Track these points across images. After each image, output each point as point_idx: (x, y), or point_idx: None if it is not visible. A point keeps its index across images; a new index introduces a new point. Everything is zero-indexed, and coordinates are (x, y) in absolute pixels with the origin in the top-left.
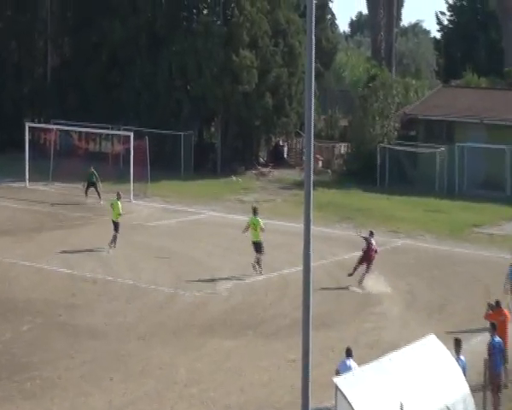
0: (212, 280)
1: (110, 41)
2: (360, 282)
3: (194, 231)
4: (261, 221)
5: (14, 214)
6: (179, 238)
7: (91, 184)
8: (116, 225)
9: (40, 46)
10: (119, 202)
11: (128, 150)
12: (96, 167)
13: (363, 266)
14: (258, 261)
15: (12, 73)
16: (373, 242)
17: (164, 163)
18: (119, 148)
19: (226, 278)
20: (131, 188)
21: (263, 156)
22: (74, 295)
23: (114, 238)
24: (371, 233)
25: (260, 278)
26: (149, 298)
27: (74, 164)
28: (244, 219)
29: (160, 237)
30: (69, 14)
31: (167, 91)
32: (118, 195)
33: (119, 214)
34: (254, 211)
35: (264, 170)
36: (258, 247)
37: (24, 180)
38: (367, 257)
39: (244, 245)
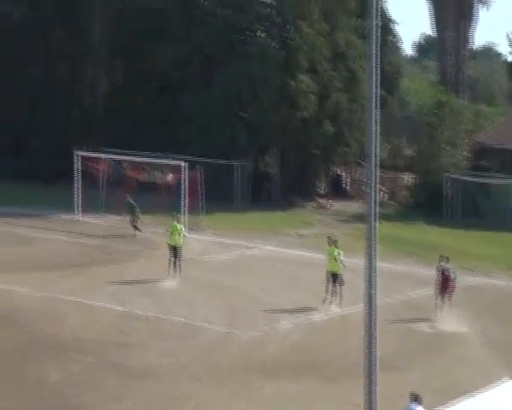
0: (270, 318)
1: (161, 66)
2: (434, 317)
3: (250, 266)
4: (341, 252)
5: (63, 248)
6: (234, 273)
7: (133, 214)
8: (176, 251)
9: (91, 71)
10: (178, 225)
11: (180, 181)
12: (148, 199)
13: (441, 299)
14: (336, 292)
15: (62, 100)
16: (449, 269)
17: (218, 194)
18: (170, 178)
19: (284, 317)
20: (184, 220)
21: (322, 187)
22: (125, 333)
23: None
24: (447, 259)
25: (319, 316)
26: (203, 337)
27: (125, 195)
28: (302, 254)
29: (214, 272)
30: (121, 38)
31: (221, 118)
32: (177, 218)
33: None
34: (332, 241)
35: (324, 202)
36: (337, 278)
37: (74, 212)
38: (444, 288)
39: (302, 282)
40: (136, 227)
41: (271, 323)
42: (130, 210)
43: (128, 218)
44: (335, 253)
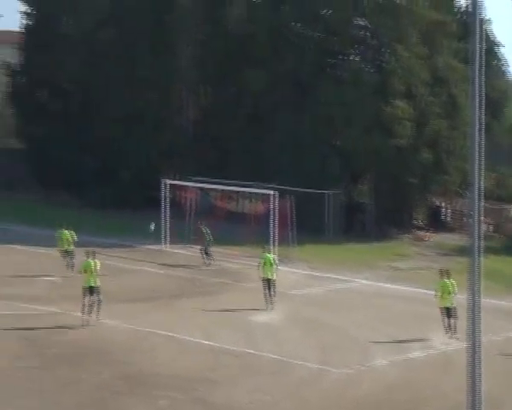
0: (363, 354)
1: (251, 91)
2: None
3: (343, 300)
4: (455, 284)
5: (151, 279)
6: (326, 308)
7: (208, 243)
8: (270, 283)
9: (179, 97)
10: (269, 256)
11: (270, 210)
12: (236, 229)
13: None
14: (451, 327)
15: (150, 126)
16: None
17: (309, 224)
18: (260, 208)
19: (379, 353)
20: (274, 251)
21: (419, 218)
22: (214, 369)
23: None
24: None
25: (418, 354)
26: (295, 373)
27: (214, 225)
28: (398, 287)
29: (305, 307)
30: (209, 63)
31: (312, 145)
32: (267, 249)
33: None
34: (444, 273)
35: (422, 234)
36: (451, 312)
37: (162, 242)
38: None
39: (398, 316)
40: (207, 254)
41: (365, 359)
42: (202, 237)
43: (199, 246)
44: (449, 286)
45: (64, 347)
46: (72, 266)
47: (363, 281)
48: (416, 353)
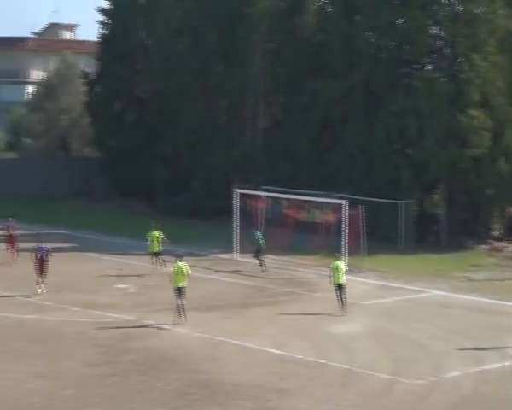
0: (437, 366)
1: (323, 101)
2: None
3: (415, 311)
4: None
5: (222, 288)
6: (398, 318)
7: (259, 249)
8: (341, 288)
9: (250, 107)
10: (338, 262)
11: (341, 220)
12: (306, 238)
13: None
14: None
15: (222, 136)
16: None
17: (380, 235)
18: (331, 217)
19: (453, 365)
20: (345, 261)
21: (496, 228)
22: (284, 378)
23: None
24: None
25: (494, 366)
26: (365, 385)
27: (284, 234)
28: (473, 298)
29: (376, 317)
30: (281, 72)
31: (384, 156)
32: (338, 257)
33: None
34: None
35: (498, 244)
36: None
37: (232, 251)
38: None
39: (472, 328)
40: (260, 260)
41: (439, 370)
42: (257, 243)
43: (254, 250)
44: None
45: (138, 354)
46: (164, 263)
47: (436, 291)
48: (492, 364)
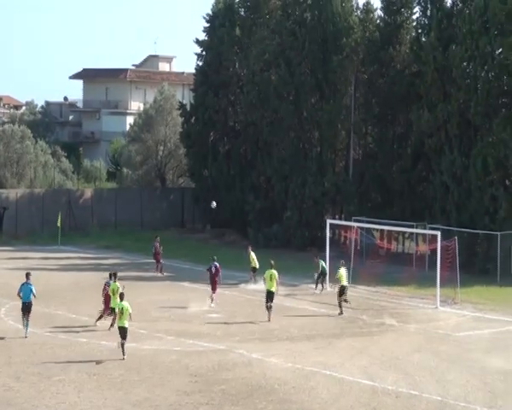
0: None
1: (417, 131)
2: None
3: None
4: None
5: (313, 318)
6: (494, 350)
7: (323, 275)
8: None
9: (342, 137)
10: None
11: (434, 251)
12: (399, 270)
13: None
14: None
15: (313, 167)
16: None
17: (476, 267)
18: (424, 248)
19: None
20: (438, 293)
21: None
22: (375, 409)
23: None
24: None
25: None
26: None
27: (376, 265)
28: None
29: (471, 349)
30: (374, 103)
31: (481, 187)
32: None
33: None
34: None
35: None
36: None
37: (324, 281)
38: None
39: None
40: (318, 284)
41: None
42: (322, 271)
43: (317, 279)
44: None
45: (230, 384)
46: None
47: None
48: None
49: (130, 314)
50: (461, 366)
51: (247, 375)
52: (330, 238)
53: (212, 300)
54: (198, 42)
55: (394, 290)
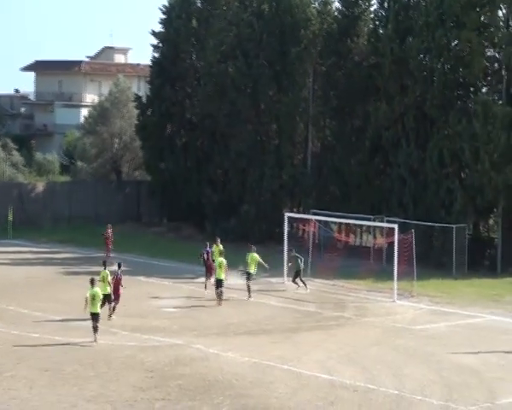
0: (491, 393)
1: (374, 124)
2: None
3: (468, 337)
4: None
5: (272, 312)
6: (449, 343)
7: (299, 271)
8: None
9: (301, 130)
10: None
11: (392, 245)
12: (357, 263)
13: None
14: None
15: (271, 160)
16: None
17: (432, 259)
18: (381, 241)
19: (507, 391)
20: (395, 286)
21: None
22: (333, 403)
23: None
24: None
25: None
26: None
27: (334, 258)
28: None
29: (427, 342)
30: (332, 95)
31: (437, 180)
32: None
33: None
34: None
35: None
36: None
37: (282, 275)
38: None
39: None
40: (296, 281)
41: (493, 397)
42: (296, 264)
43: (293, 272)
44: None
45: (186, 379)
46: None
47: (491, 317)
48: None
49: (101, 300)
50: (417, 360)
51: (204, 370)
52: (288, 232)
53: (205, 287)
54: (154, 33)
55: (352, 284)
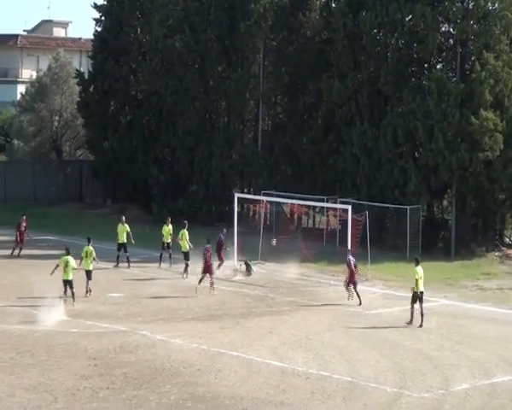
0: (445, 379)
1: (327, 101)
2: None
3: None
4: None
5: (220, 297)
6: (404, 329)
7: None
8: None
9: (251, 107)
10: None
11: (345, 226)
12: (309, 245)
13: None
14: None
15: (220, 138)
16: None
17: (386, 241)
18: (334, 223)
19: (461, 377)
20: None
21: (509, 235)
22: (285, 391)
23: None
24: None
25: (504, 378)
26: (370, 398)
27: (286, 241)
28: (483, 308)
29: (381, 327)
30: (284, 72)
31: (391, 159)
32: (184, 224)
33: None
34: None
35: (511, 252)
36: None
37: (233, 258)
38: None
39: (481, 339)
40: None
41: (447, 383)
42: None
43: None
44: None
45: (132, 367)
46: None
47: (445, 301)
48: (503, 377)
49: (74, 269)
50: (371, 346)
51: (151, 357)
52: (238, 213)
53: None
54: (96, 6)
55: (304, 268)
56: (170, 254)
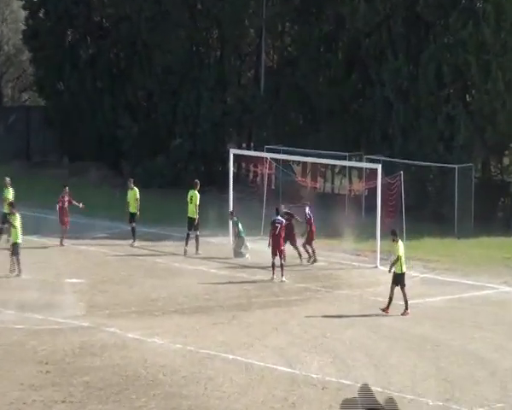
0: (503, 389)
1: (350, 30)
2: None
3: (476, 314)
4: None
5: (211, 284)
6: (449, 324)
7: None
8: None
9: (251, 38)
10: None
11: (374, 191)
12: (327, 216)
13: None
14: None
15: (211, 78)
16: None
17: (427, 211)
18: (360, 187)
19: None
20: (378, 247)
21: None
22: (295, 405)
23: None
24: None
25: None
26: None
27: (297, 210)
28: None
29: (421, 322)
30: None
31: (433, 104)
32: (195, 184)
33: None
34: None
35: None
36: None
37: (227, 233)
38: None
39: None
40: (236, 250)
41: (506, 395)
42: (238, 233)
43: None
44: None
45: (96, 374)
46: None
47: (504, 287)
48: None
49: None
50: (406, 346)
51: (121, 361)
52: (235, 174)
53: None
54: None
55: (321, 244)
56: (133, 228)
